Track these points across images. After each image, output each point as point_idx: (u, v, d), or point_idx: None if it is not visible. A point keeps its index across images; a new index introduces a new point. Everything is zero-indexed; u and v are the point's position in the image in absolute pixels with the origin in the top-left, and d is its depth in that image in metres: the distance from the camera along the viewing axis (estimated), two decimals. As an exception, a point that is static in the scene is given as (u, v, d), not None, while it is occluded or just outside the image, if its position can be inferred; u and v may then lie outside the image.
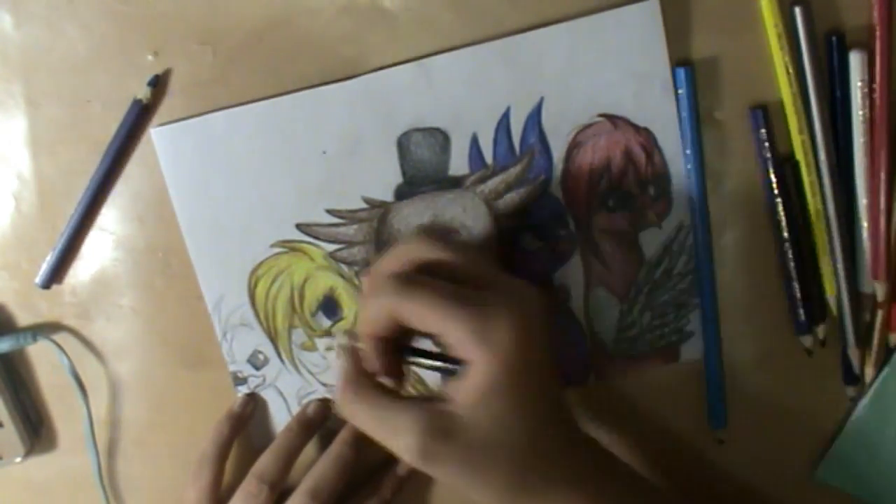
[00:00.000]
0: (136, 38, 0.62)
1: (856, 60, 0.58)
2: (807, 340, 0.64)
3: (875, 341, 0.63)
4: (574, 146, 0.61)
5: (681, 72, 0.59)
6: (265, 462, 0.65)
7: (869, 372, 0.64)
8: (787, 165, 0.61)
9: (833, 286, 0.62)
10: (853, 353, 0.64)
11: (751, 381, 0.66)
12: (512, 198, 0.62)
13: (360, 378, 0.55)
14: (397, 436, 0.52)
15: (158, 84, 0.62)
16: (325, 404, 0.67)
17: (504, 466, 0.51)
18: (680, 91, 0.60)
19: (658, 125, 0.60)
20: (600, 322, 0.64)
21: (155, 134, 0.63)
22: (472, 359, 0.51)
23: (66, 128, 0.64)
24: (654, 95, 0.60)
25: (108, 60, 0.63)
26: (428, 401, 0.53)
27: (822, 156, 0.60)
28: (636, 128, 0.60)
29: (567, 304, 0.64)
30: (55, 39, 0.62)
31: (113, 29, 0.62)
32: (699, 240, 0.62)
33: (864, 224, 0.61)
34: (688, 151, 0.61)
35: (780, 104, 0.61)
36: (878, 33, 0.58)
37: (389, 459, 0.66)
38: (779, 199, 0.61)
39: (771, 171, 0.61)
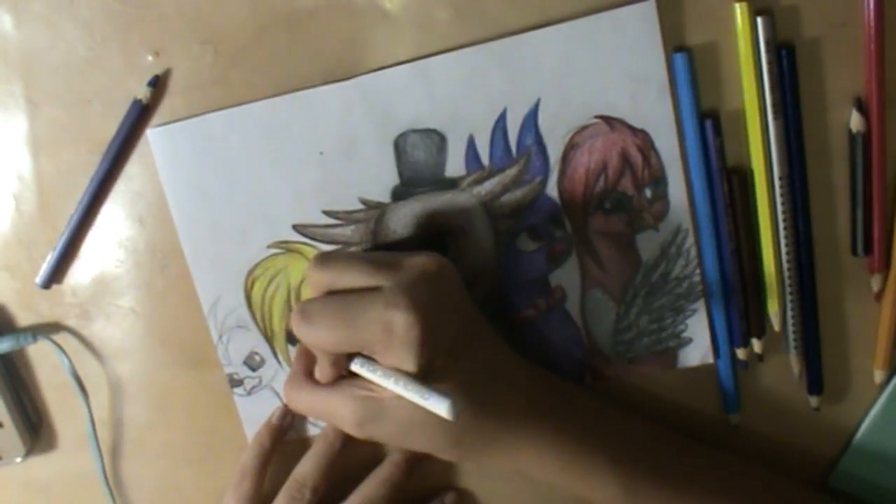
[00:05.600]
0: (136, 38, 0.62)
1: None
2: (741, 353, 0.64)
3: (882, 340, 0.63)
4: (571, 147, 0.61)
5: (678, 58, 0.59)
6: (306, 466, 0.66)
7: (878, 375, 0.64)
8: (734, 177, 0.61)
9: (777, 301, 0.62)
10: (794, 361, 0.64)
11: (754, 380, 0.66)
12: (508, 199, 0.62)
13: (302, 374, 0.62)
14: (335, 420, 0.60)
15: (158, 84, 0.63)
16: None
17: (436, 436, 0.59)
18: (679, 78, 0.59)
19: (655, 127, 0.60)
20: (597, 324, 0.64)
21: (151, 135, 0.63)
22: (384, 361, 0.56)
23: (66, 128, 0.64)
24: (650, 97, 0.59)
25: (108, 60, 0.63)
26: (355, 385, 0.59)
27: (775, 167, 0.60)
28: (633, 129, 0.60)
29: (564, 305, 0.64)
30: (55, 39, 0.63)
31: (113, 29, 0.62)
32: (704, 229, 0.62)
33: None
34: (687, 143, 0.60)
35: (733, 113, 0.60)
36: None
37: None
38: (728, 210, 0.61)
39: (724, 181, 0.61)
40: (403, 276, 0.56)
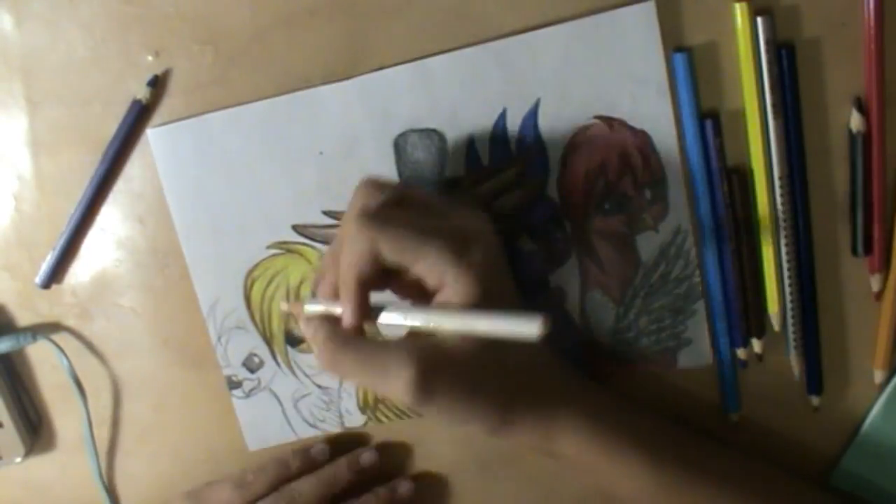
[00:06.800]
0: (136, 38, 0.63)
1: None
2: (741, 353, 0.64)
3: (882, 340, 0.63)
4: (570, 148, 0.61)
5: (678, 58, 0.59)
6: (304, 486, 0.66)
7: (878, 375, 0.63)
8: (734, 176, 0.61)
9: (777, 301, 0.62)
10: (794, 361, 0.64)
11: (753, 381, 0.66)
12: (508, 199, 0.62)
13: (339, 332, 0.54)
14: (390, 376, 0.51)
15: (158, 84, 0.63)
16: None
17: (494, 389, 0.54)
18: (678, 79, 0.59)
19: (654, 127, 0.60)
20: (596, 324, 0.64)
21: (151, 134, 0.63)
22: (446, 281, 0.52)
23: (66, 128, 0.64)
24: (650, 97, 0.59)
25: (108, 60, 0.63)
26: (412, 337, 0.53)
27: (775, 167, 0.60)
28: (632, 130, 0.60)
29: (563, 305, 0.63)
30: (55, 39, 0.63)
31: (113, 29, 0.62)
32: (706, 228, 0.62)
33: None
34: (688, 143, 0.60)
35: (733, 113, 0.60)
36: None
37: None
38: (728, 210, 0.61)
39: (724, 181, 0.61)
40: (469, 215, 0.56)
